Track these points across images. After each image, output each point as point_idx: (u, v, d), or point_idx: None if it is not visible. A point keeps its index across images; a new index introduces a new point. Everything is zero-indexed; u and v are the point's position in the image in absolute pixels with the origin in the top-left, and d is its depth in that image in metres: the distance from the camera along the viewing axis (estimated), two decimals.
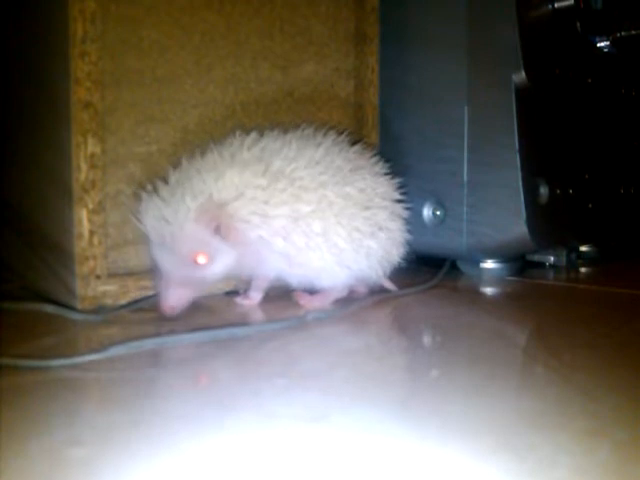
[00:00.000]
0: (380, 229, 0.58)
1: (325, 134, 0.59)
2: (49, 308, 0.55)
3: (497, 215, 0.70)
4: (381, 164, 0.62)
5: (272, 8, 0.66)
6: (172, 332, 0.49)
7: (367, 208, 0.57)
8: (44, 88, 0.59)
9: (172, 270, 0.52)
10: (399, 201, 0.61)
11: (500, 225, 0.70)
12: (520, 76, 0.69)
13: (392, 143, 0.75)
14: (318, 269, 0.56)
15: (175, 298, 0.52)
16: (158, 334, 0.49)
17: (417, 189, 0.74)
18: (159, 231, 0.52)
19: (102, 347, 0.43)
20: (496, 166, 0.70)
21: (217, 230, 0.52)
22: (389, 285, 0.63)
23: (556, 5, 0.72)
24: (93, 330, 0.51)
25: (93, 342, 0.47)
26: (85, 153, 0.54)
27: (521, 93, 0.69)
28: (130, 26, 0.58)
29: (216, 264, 0.53)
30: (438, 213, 0.73)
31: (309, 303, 0.58)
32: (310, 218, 0.54)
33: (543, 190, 0.72)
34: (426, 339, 0.52)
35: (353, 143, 0.61)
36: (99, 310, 0.54)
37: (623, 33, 0.76)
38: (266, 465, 0.28)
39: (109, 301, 0.55)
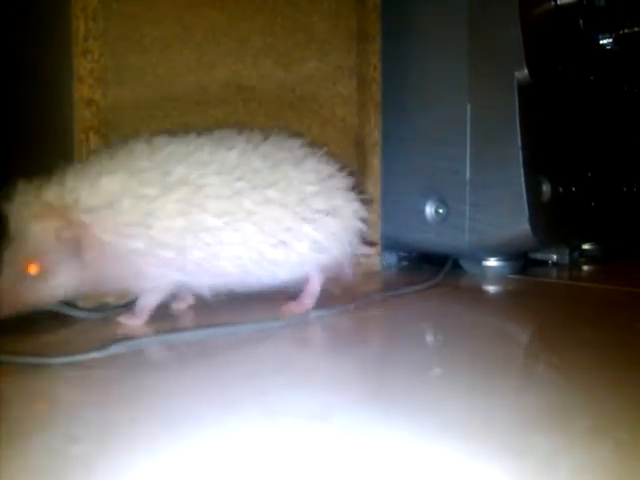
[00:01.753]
0: (327, 214, 0.54)
1: (239, 133, 0.55)
2: (50, 305, 0.54)
3: (499, 213, 0.70)
4: (302, 145, 0.57)
5: (274, 5, 0.66)
6: (173, 330, 0.49)
7: (298, 203, 0.53)
8: (46, 86, 0.59)
9: (4, 272, 0.45)
10: (333, 175, 0.57)
11: (502, 223, 0.70)
12: (522, 73, 0.69)
13: (394, 141, 0.75)
14: (237, 275, 0.52)
15: (6, 303, 0.45)
16: (158, 332, 0.49)
17: (419, 187, 0.74)
18: (11, 224, 0.46)
19: (103, 345, 0.43)
20: (498, 164, 0.70)
21: (65, 240, 0.46)
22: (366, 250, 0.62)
23: (559, 2, 0.71)
24: (94, 328, 0.51)
25: (94, 340, 0.47)
26: (87, 150, 0.54)
27: (523, 90, 0.69)
28: (132, 23, 0.58)
29: (54, 279, 0.46)
30: (440, 211, 0.73)
31: (287, 310, 0.55)
32: (220, 230, 0.49)
33: (545, 188, 0.72)
34: (427, 337, 0.52)
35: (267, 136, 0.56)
36: (100, 308, 0.54)
37: (626, 30, 0.76)
38: (266, 463, 0.28)
39: (110, 299, 0.55)
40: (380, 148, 0.74)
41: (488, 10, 0.70)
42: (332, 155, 0.70)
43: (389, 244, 0.76)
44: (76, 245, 0.46)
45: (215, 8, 0.62)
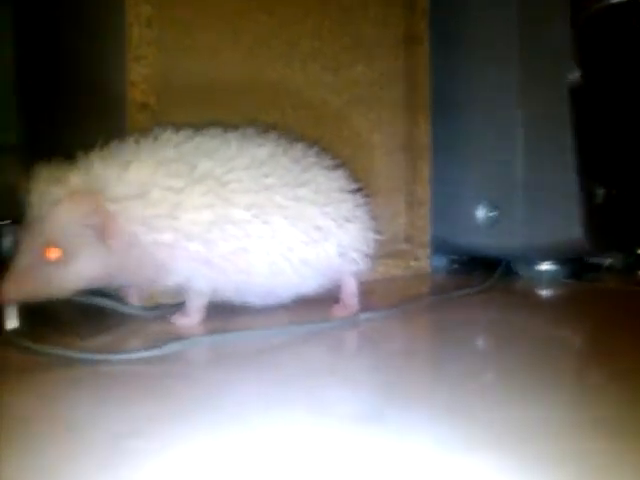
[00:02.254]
0: (348, 220, 0.54)
1: (266, 134, 0.54)
2: (109, 303, 0.55)
3: (552, 217, 0.69)
4: (328, 158, 0.57)
5: (323, 10, 0.66)
6: (225, 330, 0.49)
7: (326, 204, 0.53)
8: (100, 91, 0.60)
9: (21, 256, 0.44)
10: (356, 191, 0.57)
11: (555, 227, 0.69)
12: (574, 75, 0.68)
13: (444, 145, 0.74)
14: (266, 274, 0.51)
15: (11, 289, 0.43)
16: (211, 332, 0.49)
17: (471, 190, 0.73)
18: (32, 208, 0.45)
19: (159, 343, 0.44)
20: (550, 167, 0.69)
21: (92, 226, 0.45)
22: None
23: (611, 0, 0.70)
24: (151, 326, 0.52)
25: (151, 338, 0.48)
26: None
27: (575, 92, 0.68)
28: (184, 29, 0.59)
29: (76, 265, 0.45)
30: (492, 214, 0.72)
31: (335, 312, 0.55)
32: (248, 223, 0.49)
33: (598, 192, 0.71)
34: (478, 342, 0.51)
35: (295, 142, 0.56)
36: (157, 307, 0.55)
37: None
38: (311, 462, 0.28)
39: (167, 299, 0.56)
40: (429, 152, 0.73)
41: (539, 12, 0.70)
42: (381, 159, 0.71)
43: (439, 247, 0.75)
44: (100, 233, 0.45)
45: (265, 12, 0.63)
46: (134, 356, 0.42)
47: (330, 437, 0.30)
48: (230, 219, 0.48)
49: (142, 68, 0.56)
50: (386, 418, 0.33)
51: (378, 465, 0.27)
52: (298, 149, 0.54)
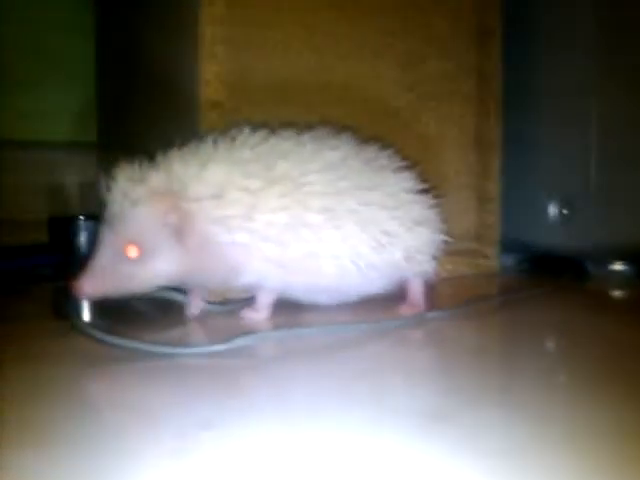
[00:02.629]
0: (417, 224, 0.54)
1: (340, 135, 0.54)
2: (180, 297, 0.57)
3: (625, 215, 0.67)
4: (397, 159, 0.56)
5: (393, 5, 0.66)
6: (294, 326, 0.50)
7: (396, 208, 0.53)
8: (174, 90, 0.62)
9: (101, 253, 0.46)
10: (423, 191, 0.56)
11: (628, 226, 0.67)
12: None
13: (515, 140, 0.73)
14: (333, 277, 0.51)
15: (91, 285, 0.45)
16: (279, 327, 0.50)
17: (542, 187, 0.71)
18: (112, 206, 0.46)
19: (228, 338, 0.45)
20: (626, 164, 0.67)
21: (170, 226, 0.46)
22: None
23: None
24: (220, 320, 0.53)
25: (221, 332, 0.49)
26: None
27: None
28: (255, 27, 0.59)
29: (153, 263, 0.46)
30: (565, 212, 0.70)
31: (402, 311, 0.55)
32: (320, 227, 0.49)
33: None
34: (548, 343, 0.50)
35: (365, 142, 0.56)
36: (226, 302, 0.56)
37: None
38: (380, 457, 0.28)
39: (235, 294, 0.57)
40: (500, 147, 0.72)
41: (616, 2, 0.67)
42: (451, 154, 0.70)
43: (509, 245, 0.74)
44: (179, 232, 0.46)
45: (335, 10, 0.63)
46: (204, 350, 0.44)
47: (399, 435, 0.30)
48: (304, 222, 0.49)
49: (214, 66, 0.57)
50: (456, 417, 0.33)
51: (448, 464, 0.27)
52: (370, 151, 0.55)
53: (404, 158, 0.64)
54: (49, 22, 0.84)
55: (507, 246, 0.74)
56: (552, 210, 0.71)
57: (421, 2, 0.68)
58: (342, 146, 0.53)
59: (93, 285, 0.45)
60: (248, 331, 0.47)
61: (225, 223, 0.47)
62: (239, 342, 0.45)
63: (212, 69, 0.57)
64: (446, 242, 0.57)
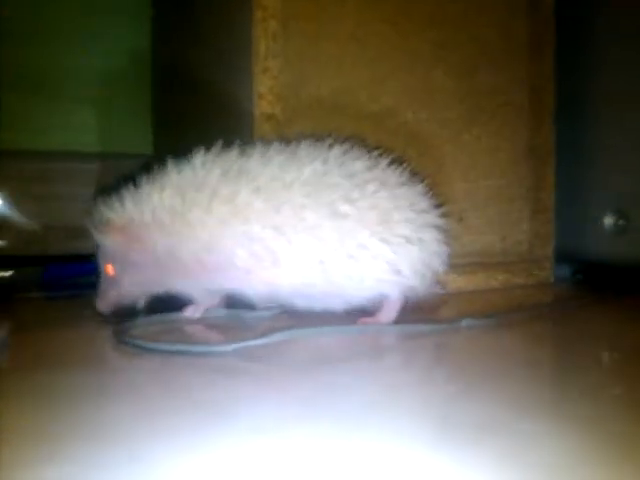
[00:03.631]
0: (409, 242, 0.52)
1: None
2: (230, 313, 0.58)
3: None
4: (402, 173, 0.54)
5: (445, 17, 0.67)
6: (330, 325, 0.51)
7: (379, 223, 0.51)
8: (228, 104, 0.64)
9: (102, 274, 0.55)
10: (430, 209, 0.55)
11: None
12: None
13: (569, 151, 0.72)
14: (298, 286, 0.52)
15: (103, 300, 0.54)
16: (317, 325, 0.51)
17: (597, 198, 0.70)
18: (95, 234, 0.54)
19: (264, 334, 0.46)
20: None
21: (123, 251, 0.53)
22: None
23: None
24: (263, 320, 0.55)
25: (257, 329, 0.51)
26: None
27: None
28: (308, 41, 0.61)
29: (123, 280, 0.54)
30: (620, 222, 0.69)
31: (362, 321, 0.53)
32: (272, 240, 0.50)
33: None
34: (603, 354, 0.49)
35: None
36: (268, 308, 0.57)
37: None
38: (432, 468, 0.28)
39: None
40: (554, 157, 0.71)
41: None
42: (503, 165, 0.70)
43: (563, 256, 0.73)
44: (133, 254, 0.53)
45: (387, 23, 0.64)
46: (242, 345, 0.45)
47: (448, 447, 0.30)
48: (250, 236, 0.50)
49: (268, 80, 0.58)
50: (510, 429, 0.32)
51: (497, 477, 0.27)
52: (364, 165, 0.53)
53: (455, 168, 0.65)
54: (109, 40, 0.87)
55: (561, 257, 0.73)
56: (607, 221, 0.70)
57: (472, 14, 0.68)
58: (317, 161, 0.52)
59: (102, 302, 0.54)
60: (282, 328, 0.48)
61: (165, 242, 0.51)
62: (274, 338, 0.46)
63: (266, 83, 0.58)
64: (449, 259, 0.56)
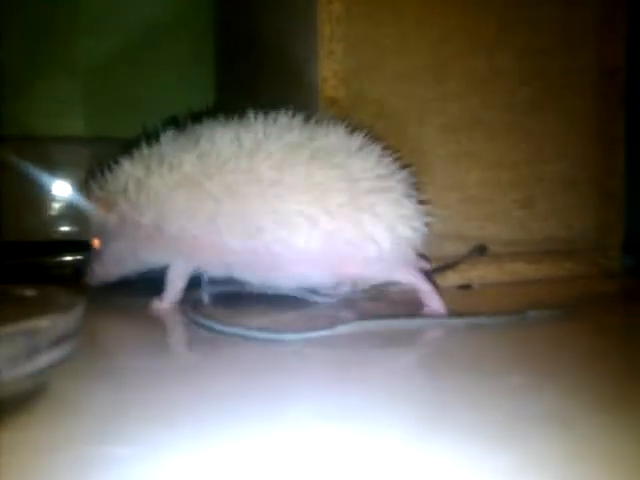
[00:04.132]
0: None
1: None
2: (298, 292, 0.58)
3: None
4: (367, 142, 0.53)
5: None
6: (394, 316, 0.50)
7: (309, 191, 0.50)
8: (293, 87, 0.63)
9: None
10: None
11: None
12: None
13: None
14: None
15: (90, 274, 0.57)
16: (381, 317, 0.50)
17: None
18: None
19: (331, 325, 0.46)
20: None
21: (107, 221, 0.55)
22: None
23: None
24: (327, 311, 0.54)
25: (325, 321, 0.50)
26: None
27: None
28: (371, 25, 0.60)
29: (106, 253, 0.56)
30: None
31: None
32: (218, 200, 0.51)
33: None
34: None
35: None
36: (335, 294, 0.57)
37: None
38: (491, 460, 0.28)
39: (347, 287, 0.58)
40: (623, 144, 0.69)
41: None
42: (570, 150, 0.68)
43: (631, 246, 0.71)
44: (110, 226, 0.55)
45: (450, 4, 0.63)
46: (306, 336, 0.45)
47: (519, 439, 0.30)
48: (202, 199, 0.52)
49: (333, 64, 0.58)
50: (578, 421, 0.32)
51: (562, 468, 0.27)
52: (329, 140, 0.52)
53: (518, 155, 0.64)
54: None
55: (629, 246, 0.70)
56: None
57: None
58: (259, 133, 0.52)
59: (90, 276, 0.57)
60: (350, 319, 0.48)
61: (135, 213, 0.53)
62: (340, 330, 0.46)
63: (330, 66, 0.58)
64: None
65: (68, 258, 0.68)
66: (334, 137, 0.52)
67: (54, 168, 0.79)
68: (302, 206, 0.50)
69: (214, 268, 0.54)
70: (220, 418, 0.31)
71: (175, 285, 0.55)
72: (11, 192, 0.78)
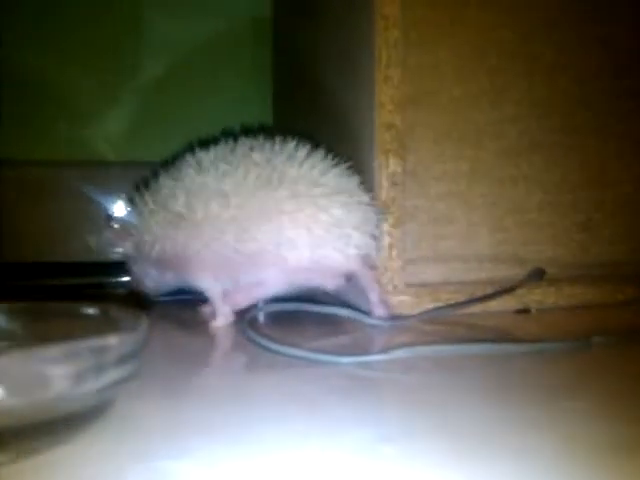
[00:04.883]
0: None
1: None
2: (346, 312, 0.59)
3: None
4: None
5: (569, 19, 0.64)
6: (453, 341, 0.50)
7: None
8: (348, 114, 0.64)
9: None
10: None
11: None
12: None
13: None
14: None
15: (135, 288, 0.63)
16: (438, 342, 0.50)
17: None
18: None
19: (387, 349, 0.46)
20: None
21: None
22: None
23: None
24: (384, 335, 0.55)
25: (381, 345, 0.51)
26: (387, 172, 0.58)
27: None
28: (428, 50, 0.60)
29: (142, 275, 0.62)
30: None
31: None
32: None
33: None
34: None
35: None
36: (393, 317, 0.57)
37: None
38: None
39: (404, 310, 0.58)
40: None
41: None
42: (634, 172, 0.66)
43: None
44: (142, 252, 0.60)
45: (508, 29, 0.63)
46: (362, 359, 0.45)
47: (580, 468, 0.29)
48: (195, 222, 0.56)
49: (389, 89, 0.58)
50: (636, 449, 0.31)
51: None
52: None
53: (579, 178, 0.63)
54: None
55: None
56: None
57: (600, 15, 0.65)
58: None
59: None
60: (406, 344, 0.48)
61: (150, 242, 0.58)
62: (395, 354, 0.46)
63: (387, 92, 0.58)
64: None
65: (125, 279, 0.71)
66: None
67: (114, 191, 0.81)
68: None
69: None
70: (280, 436, 0.32)
71: (219, 304, 0.57)
72: (74, 214, 0.81)
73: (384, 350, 0.46)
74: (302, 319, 0.58)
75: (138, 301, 0.61)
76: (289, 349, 0.47)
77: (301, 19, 0.79)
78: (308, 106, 0.75)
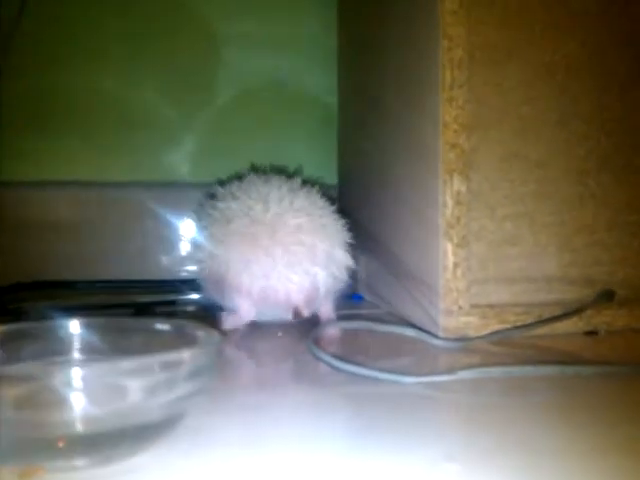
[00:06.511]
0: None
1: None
2: (411, 332, 0.59)
3: None
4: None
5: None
6: (519, 363, 0.49)
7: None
8: (412, 133, 0.65)
9: None
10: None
11: None
12: None
13: None
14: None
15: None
16: (504, 363, 0.50)
17: None
18: None
19: (452, 370, 0.46)
20: None
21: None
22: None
23: None
24: (449, 355, 0.54)
25: (446, 365, 0.51)
26: (451, 191, 0.58)
27: None
28: (494, 69, 0.60)
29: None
30: None
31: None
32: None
33: None
34: None
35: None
36: (459, 338, 0.57)
37: None
38: None
39: (470, 332, 0.58)
40: None
41: None
42: None
43: None
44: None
45: (577, 44, 0.62)
46: (426, 380, 0.46)
47: None
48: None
49: (454, 109, 0.58)
50: None
51: None
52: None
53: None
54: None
55: None
56: None
57: None
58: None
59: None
60: (470, 365, 0.48)
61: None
62: (462, 375, 0.46)
63: (451, 112, 0.58)
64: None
65: (194, 296, 0.73)
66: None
67: (185, 211, 0.84)
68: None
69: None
70: (345, 453, 0.33)
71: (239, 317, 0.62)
72: (148, 233, 0.85)
73: (450, 370, 0.46)
74: (367, 338, 0.59)
75: (209, 318, 0.62)
76: (356, 367, 0.47)
77: (365, 45, 0.80)
78: (376, 130, 0.76)
